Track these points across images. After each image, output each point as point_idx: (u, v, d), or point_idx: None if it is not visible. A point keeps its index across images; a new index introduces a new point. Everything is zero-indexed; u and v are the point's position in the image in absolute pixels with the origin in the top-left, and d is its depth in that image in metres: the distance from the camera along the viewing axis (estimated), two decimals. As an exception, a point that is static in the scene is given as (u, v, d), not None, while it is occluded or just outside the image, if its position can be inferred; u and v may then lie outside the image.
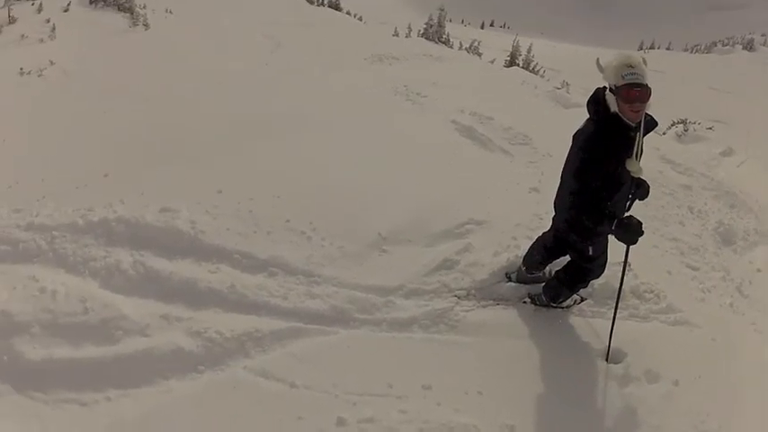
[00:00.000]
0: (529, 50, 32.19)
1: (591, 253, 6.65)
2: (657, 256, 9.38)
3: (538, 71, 29.27)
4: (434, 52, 20.24)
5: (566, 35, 74.63)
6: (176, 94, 15.71)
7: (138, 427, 6.17)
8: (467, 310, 7.50)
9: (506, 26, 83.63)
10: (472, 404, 6.39)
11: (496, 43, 39.99)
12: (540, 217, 9.08)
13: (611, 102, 5.83)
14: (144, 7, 24.10)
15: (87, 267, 8.09)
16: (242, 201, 8.91)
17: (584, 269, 6.93)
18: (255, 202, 8.86)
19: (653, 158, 13.11)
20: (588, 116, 6.17)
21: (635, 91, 5.68)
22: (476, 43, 31.68)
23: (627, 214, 6.26)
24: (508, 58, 30.97)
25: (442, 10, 31.22)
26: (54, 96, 16.23)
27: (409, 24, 38.89)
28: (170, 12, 26.07)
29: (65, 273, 8.10)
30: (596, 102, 6.02)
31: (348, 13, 41.13)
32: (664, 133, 17.54)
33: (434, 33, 30.06)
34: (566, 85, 23.28)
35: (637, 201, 6.58)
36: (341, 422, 6.03)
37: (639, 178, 6.25)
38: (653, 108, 6.06)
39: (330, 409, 6.15)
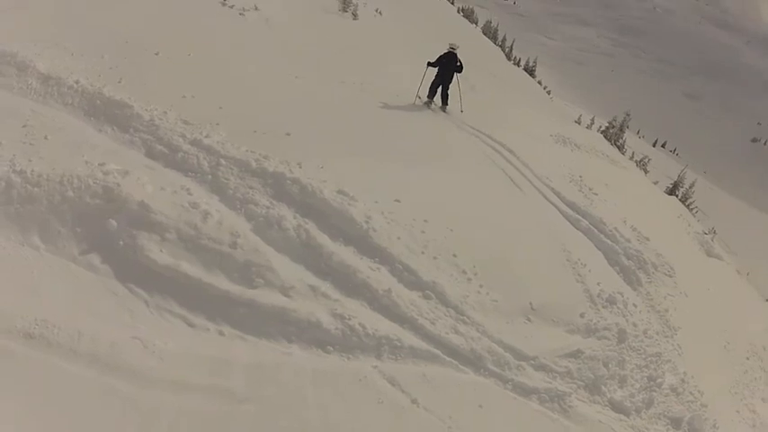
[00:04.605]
0: (691, 186, 32.06)
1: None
2: (736, 420, 9.69)
3: (692, 209, 29.14)
4: (610, 153, 20.36)
5: (726, 181, 73.23)
6: (373, 87, 16.48)
7: (246, 372, 6.58)
8: (580, 401, 7.92)
9: (675, 152, 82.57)
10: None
11: (662, 166, 39.78)
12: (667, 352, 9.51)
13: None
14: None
15: (245, 207, 8.66)
16: (417, 218, 9.35)
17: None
18: (429, 225, 9.31)
19: (760, 333, 13.28)
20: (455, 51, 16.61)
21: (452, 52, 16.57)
22: (646, 159, 31.73)
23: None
24: (670, 186, 30.91)
25: (628, 115, 31.40)
26: (250, 39, 17.18)
27: (593, 117, 39.19)
28: (379, 12, 27.04)
29: (218, 201, 8.69)
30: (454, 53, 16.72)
31: (539, 82, 41.76)
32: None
33: (613, 135, 30.19)
34: (713, 233, 23.10)
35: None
36: (446, 453, 6.47)
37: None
38: None
39: (440, 437, 6.55)
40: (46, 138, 9.01)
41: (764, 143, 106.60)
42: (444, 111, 17.10)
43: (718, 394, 9.72)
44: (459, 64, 16.56)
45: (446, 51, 16.53)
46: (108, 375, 6.16)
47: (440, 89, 16.83)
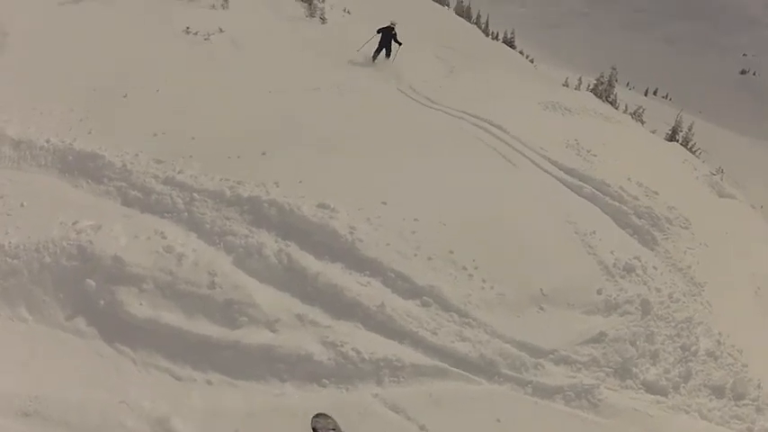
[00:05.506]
0: (690, 128, 31.39)
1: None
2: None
3: (695, 151, 28.49)
4: (603, 111, 19.74)
5: (722, 117, 72.68)
6: (351, 89, 15.87)
7: (239, 422, 6.07)
8: (610, 391, 7.13)
9: (668, 97, 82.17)
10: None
11: (658, 113, 39.27)
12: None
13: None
14: (323, 1, 24.82)
15: (223, 240, 8.11)
16: (406, 218, 8.69)
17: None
18: (420, 224, 8.65)
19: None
20: (393, 27, 20.78)
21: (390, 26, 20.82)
22: (640, 110, 31.02)
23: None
24: (669, 132, 30.26)
25: (614, 69, 30.66)
26: (218, 62, 16.60)
27: (580, 78, 38.66)
28: (347, 11, 26.52)
29: (196, 238, 8.18)
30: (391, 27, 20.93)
31: (521, 52, 41.23)
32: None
33: (603, 91, 29.52)
34: (721, 172, 22.44)
35: None
36: (466, 481, 5.77)
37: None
38: None
39: (457, 465, 5.86)
40: (22, 205, 8.81)
41: (753, 73, 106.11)
42: (388, 60, 21.43)
43: (758, 349, 8.88)
44: (395, 34, 21.20)
45: (386, 26, 20.99)
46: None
47: (383, 52, 21.32)
